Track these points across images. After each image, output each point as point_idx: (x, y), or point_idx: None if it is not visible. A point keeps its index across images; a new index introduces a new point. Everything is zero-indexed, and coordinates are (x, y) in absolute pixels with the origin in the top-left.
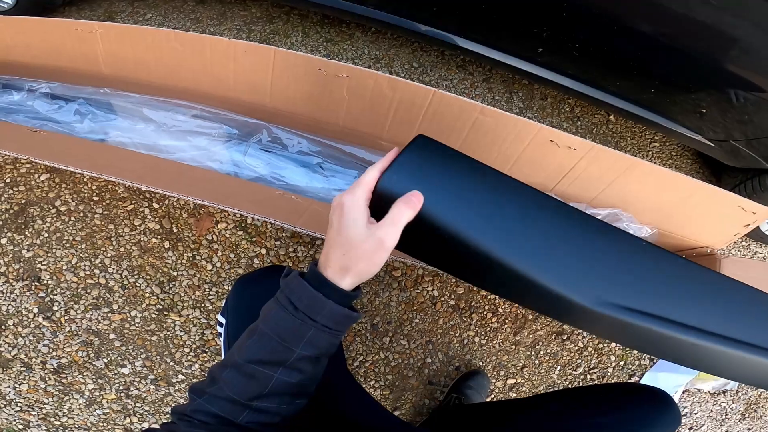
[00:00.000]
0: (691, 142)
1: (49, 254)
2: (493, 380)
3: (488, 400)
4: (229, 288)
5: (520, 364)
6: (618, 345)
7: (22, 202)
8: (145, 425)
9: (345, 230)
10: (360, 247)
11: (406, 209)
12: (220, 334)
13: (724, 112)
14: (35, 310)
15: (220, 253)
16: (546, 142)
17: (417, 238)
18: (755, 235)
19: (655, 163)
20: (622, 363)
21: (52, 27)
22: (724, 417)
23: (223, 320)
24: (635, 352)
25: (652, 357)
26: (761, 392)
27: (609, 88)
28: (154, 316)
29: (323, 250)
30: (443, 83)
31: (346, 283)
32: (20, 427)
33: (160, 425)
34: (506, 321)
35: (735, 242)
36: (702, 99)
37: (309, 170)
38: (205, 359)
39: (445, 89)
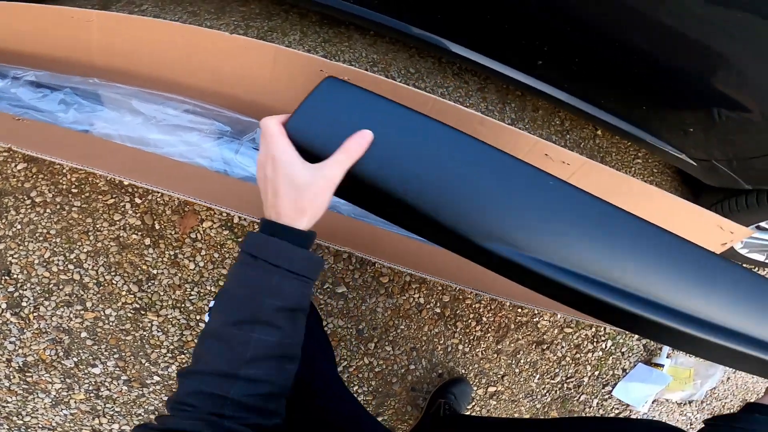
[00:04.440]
0: (674, 160)
1: (21, 247)
2: (475, 388)
3: (469, 408)
4: (213, 288)
5: (501, 373)
6: (593, 356)
7: None
8: (116, 427)
9: (288, 178)
10: (310, 189)
11: (356, 148)
12: None
13: (707, 132)
14: (3, 305)
15: (204, 253)
16: (541, 155)
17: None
18: (728, 254)
19: (636, 178)
20: (597, 373)
21: (46, 14)
22: (689, 426)
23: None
24: (609, 362)
25: (625, 368)
26: (725, 403)
27: (602, 103)
28: (130, 315)
29: (268, 204)
30: (438, 90)
31: (303, 224)
32: None
33: (155, 418)
34: (489, 330)
35: None
36: (688, 117)
37: None
38: (183, 360)
39: (440, 96)
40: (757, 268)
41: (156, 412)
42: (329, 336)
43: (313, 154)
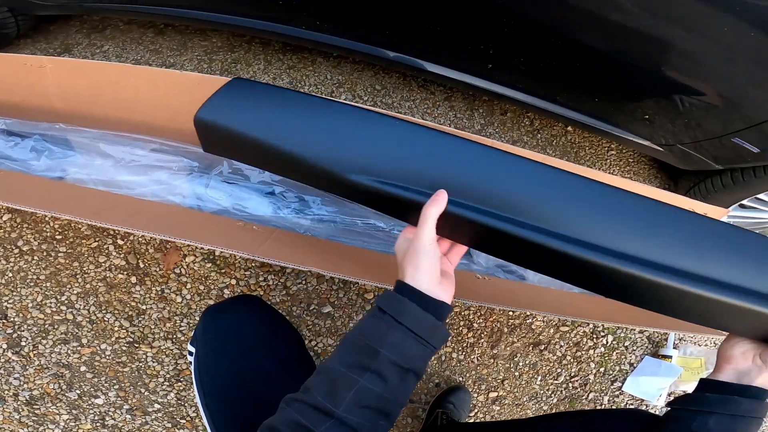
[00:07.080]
0: (643, 149)
1: (14, 293)
2: (475, 395)
3: (471, 415)
4: None
5: (501, 377)
6: (595, 353)
7: None
8: None
9: (414, 247)
10: (419, 250)
11: (430, 207)
12: (191, 363)
13: (668, 118)
14: (4, 346)
15: (189, 286)
16: None
17: (245, 150)
18: None
19: (612, 170)
20: (602, 369)
21: (1, 62)
22: None
23: (192, 349)
24: (614, 358)
25: (631, 362)
26: None
27: (558, 100)
28: (124, 348)
29: (401, 268)
30: (406, 104)
31: (424, 284)
32: None
33: None
34: (482, 335)
35: None
36: (645, 106)
37: (272, 199)
38: (181, 388)
39: (407, 110)
40: None
41: None
42: (319, 355)
43: (222, 134)
